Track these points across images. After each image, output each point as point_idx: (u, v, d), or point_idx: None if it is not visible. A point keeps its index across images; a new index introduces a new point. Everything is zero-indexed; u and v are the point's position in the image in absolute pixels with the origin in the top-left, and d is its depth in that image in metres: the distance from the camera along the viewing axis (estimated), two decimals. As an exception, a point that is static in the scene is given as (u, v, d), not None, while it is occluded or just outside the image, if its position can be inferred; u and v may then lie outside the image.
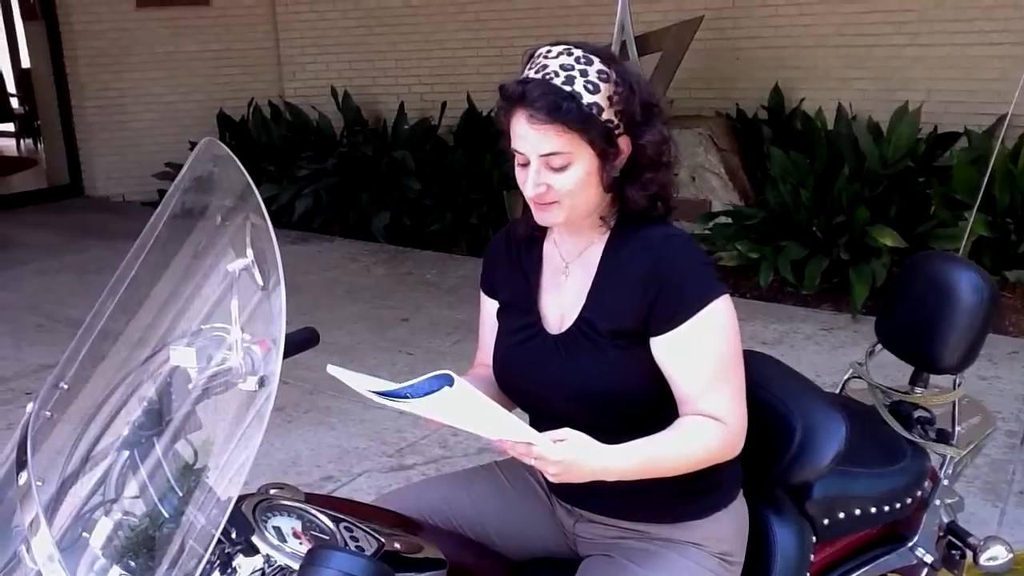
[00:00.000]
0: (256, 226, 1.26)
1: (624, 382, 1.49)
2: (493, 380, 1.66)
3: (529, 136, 1.43)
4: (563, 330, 1.55)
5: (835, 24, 6.06)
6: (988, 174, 2.51)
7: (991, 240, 4.71)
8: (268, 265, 1.25)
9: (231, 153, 1.27)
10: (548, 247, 1.63)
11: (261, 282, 1.31)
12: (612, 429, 1.45)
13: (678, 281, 1.46)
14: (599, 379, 1.49)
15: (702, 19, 5.86)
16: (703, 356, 1.46)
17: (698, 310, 1.45)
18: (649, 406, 1.51)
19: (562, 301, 1.58)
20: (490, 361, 1.67)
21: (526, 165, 1.47)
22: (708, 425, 1.46)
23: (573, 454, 1.36)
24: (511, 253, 1.67)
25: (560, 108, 1.40)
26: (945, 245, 4.63)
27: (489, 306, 1.71)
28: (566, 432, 1.38)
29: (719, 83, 6.43)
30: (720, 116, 6.22)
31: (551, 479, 1.38)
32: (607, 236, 1.54)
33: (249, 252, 1.32)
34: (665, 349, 1.47)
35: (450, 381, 1.34)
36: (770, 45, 6.28)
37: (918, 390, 2.00)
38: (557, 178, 1.45)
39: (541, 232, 1.62)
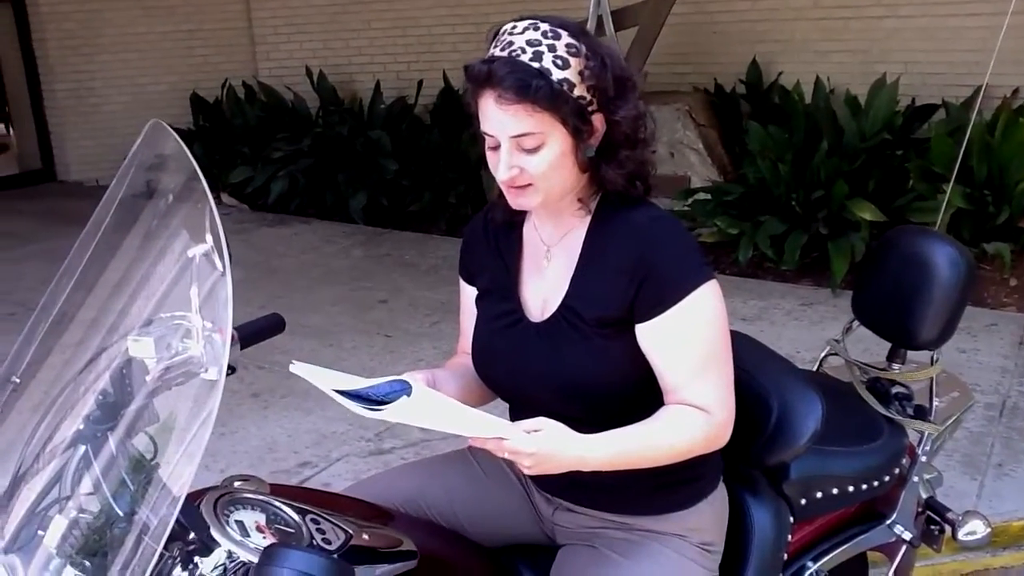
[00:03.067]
0: (210, 210, 1.22)
1: (610, 372, 1.44)
2: (473, 370, 1.61)
3: (498, 117, 1.37)
4: (545, 317, 1.50)
5: (813, -4, 6.03)
6: (964, 146, 2.49)
7: (969, 212, 4.71)
8: (223, 247, 1.21)
9: (177, 137, 1.22)
10: (528, 231, 1.58)
11: (221, 268, 1.26)
12: (596, 421, 1.41)
13: (664, 266, 1.41)
14: (584, 368, 1.45)
15: (679, -7, 5.80)
16: (689, 343, 1.42)
17: (684, 296, 1.40)
18: (635, 397, 1.46)
19: (544, 287, 1.53)
20: (470, 349, 1.62)
21: (497, 148, 1.41)
22: (693, 415, 1.42)
23: (548, 445, 1.32)
24: (489, 238, 1.61)
25: (529, 87, 1.34)
26: (924, 218, 4.62)
27: (468, 294, 1.66)
28: (541, 422, 1.34)
29: (696, 58, 6.39)
30: (698, 91, 6.18)
31: (526, 472, 1.35)
32: (589, 220, 1.49)
33: (208, 238, 1.28)
34: (650, 336, 1.43)
35: (408, 390, 1.31)
36: (747, 19, 6.24)
37: (896, 366, 1.98)
38: (530, 160, 1.39)
39: (520, 216, 1.57)
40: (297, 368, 1.36)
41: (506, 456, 1.33)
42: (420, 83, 7.09)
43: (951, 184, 2.48)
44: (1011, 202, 4.72)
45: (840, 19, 5.95)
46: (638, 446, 1.41)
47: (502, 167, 1.40)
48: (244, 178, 6.89)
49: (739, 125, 5.81)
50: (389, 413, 1.30)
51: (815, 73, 5.78)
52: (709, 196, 5.35)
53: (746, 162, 5.34)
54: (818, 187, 4.94)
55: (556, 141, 1.38)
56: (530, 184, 1.42)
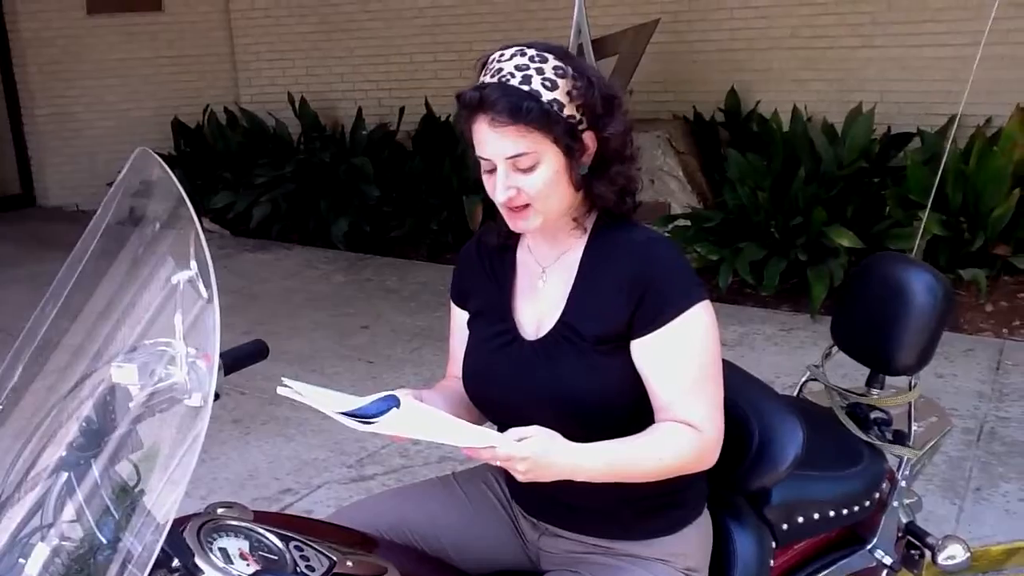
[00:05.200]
0: (197, 237, 1.22)
1: (605, 388, 1.46)
2: (463, 393, 1.62)
3: (492, 140, 1.41)
4: (540, 335, 1.52)
5: (790, 26, 6.12)
6: (940, 174, 2.53)
7: (945, 239, 4.77)
8: (209, 273, 1.21)
9: (164, 164, 1.23)
10: (522, 253, 1.60)
11: (205, 294, 1.27)
12: (589, 440, 1.41)
13: (662, 283, 1.44)
14: (580, 384, 1.46)
15: (658, 22, 5.88)
16: (682, 360, 1.44)
17: (679, 313, 1.43)
18: (629, 416, 1.47)
19: (538, 307, 1.54)
20: (460, 372, 1.63)
21: (493, 172, 1.44)
22: (683, 431, 1.43)
23: (539, 449, 1.33)
24: (483, 261, 1.63)
25: (520, 108, 1.38)
26: (901, 245, 4.67)
27: (459, 317, 1.67)
28: (530, 429, 1.35)
29: (676, 86, 6.46)
30: (677, 119, 6.25)
31: (519, 478, 1.35)
32: (585, 240, 1.52)
33: (193, 264, 1.28)
34: (645, 352, 1.45)
35: (396, 403, 1.33)
36: (726, 48, 6.32)
37: (874, 391, 2.00)
38: (526, 180, 1.42)
39: (514, 239, 1.60)
40: (285, 391, 1.36)
41: (499, 464, 1.33)
42: (402, 110, 7.13)
43: (927, 211, 2.51)
44: (986, 229, 4.79)
45: (817, 49, 6.04)
46: (628, 458, 1.42)
47: (499, 188, 1.43)
48: (226, 203, 6.87)
49: (718, 152, 5.87)
50: (381, 426, 1.32)
51: (793, 102, 5.86)
52: (689, 223, 5.39)
53: (725, 189, 5.40)
54: (796, 214, 4.99)
55: (550, 160, 1.42)
56: (528, 205, 1.45)
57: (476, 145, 1.44)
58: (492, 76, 1.42)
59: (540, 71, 1.41)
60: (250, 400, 3.84)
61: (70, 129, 8.06)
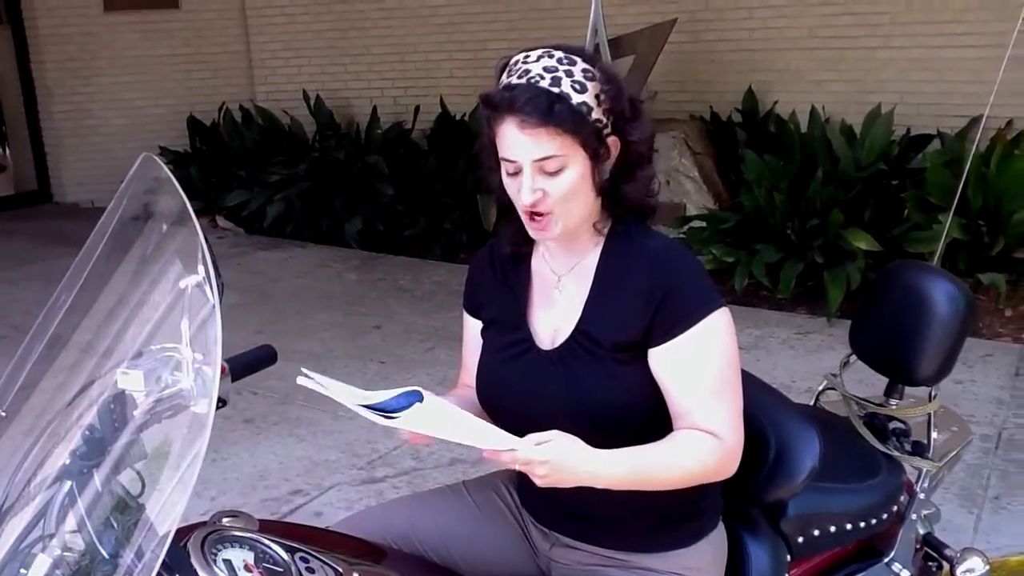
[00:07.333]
0: (201, 248, 1.20)
1: (623, 397, 1.44)
2: (476, 402, 1.59)
3: (521, 142, 1.38)
4: (557, 345, 1.50)
5: (808, 26, 6.07)
6: (963, 177, 2.49)
7: (965, 242, 4.71)
8: (213, 283, 1.19)
9: (168, 172, 1.21)
10: (536, 262, 1.57)
11: (213, 300, 1.25)
12: (608, 448, 1.38)
13: (681, 290, 1.43)
14: (598, 393, 1.44)
15: (675, 22, 5.84)
16: (701, 368, 1.42)
17: (698, 321, 1.41)
18: (647, 424, 1.45)
19: (555, 315, 1.52)
20: (473, 382, 1.61)
21: (517, 174, 1.41)
22: (704, 439, 1.41)
23: (560, 454, 1.31)
24: (496, 270, 1.61)
25: (552, 110, 1.36)
26: (919, 248, 4.62)
27: (472, 326, 1.65)
28: (550, 433, 1.33)
29: (693, 86, 6.42)
30: (694, 119, 6.20)
31: (539, 483, 1.33)
32: (600, 247, 1.50)
33: (200, 269, 1.26)
34: (663, 360, 1.43)
35: (420, 397, 1.31)
36: (744, 48, 6.28)
37: (893, 402, 1.97)
38: (552, 183, 1.40)
39: (527, 248, 1.58)
40: (306, 381, 1.34)
41: (519, 468, 1.31)
42: (417, 108, 7.11)
43: (950, 215, 2.47)
44: (1006, 233, 4.72)
45: (835, 49, 5.99)
46: (649, 465, 1.39)
47: (525, 191, 1.40)
48: (240, 201, 6.88)
49: (735, 153, 5.83)
50: (402, 421, 1.31)
51: (811, 102, 5.81)
52: (705, 224, 5.35)
53: (742, 190, 5.35)
54: (813, 216, 4.94)
55: (576, 164, 1.40)
56: (551, 213, 1.42)
57: (502, 147, 1.42)
58: (519, 77, 1.39)
59: (569, 73, 1.39)
60: (262, 400, 3.83)
61: (86, 126, 8.09)
